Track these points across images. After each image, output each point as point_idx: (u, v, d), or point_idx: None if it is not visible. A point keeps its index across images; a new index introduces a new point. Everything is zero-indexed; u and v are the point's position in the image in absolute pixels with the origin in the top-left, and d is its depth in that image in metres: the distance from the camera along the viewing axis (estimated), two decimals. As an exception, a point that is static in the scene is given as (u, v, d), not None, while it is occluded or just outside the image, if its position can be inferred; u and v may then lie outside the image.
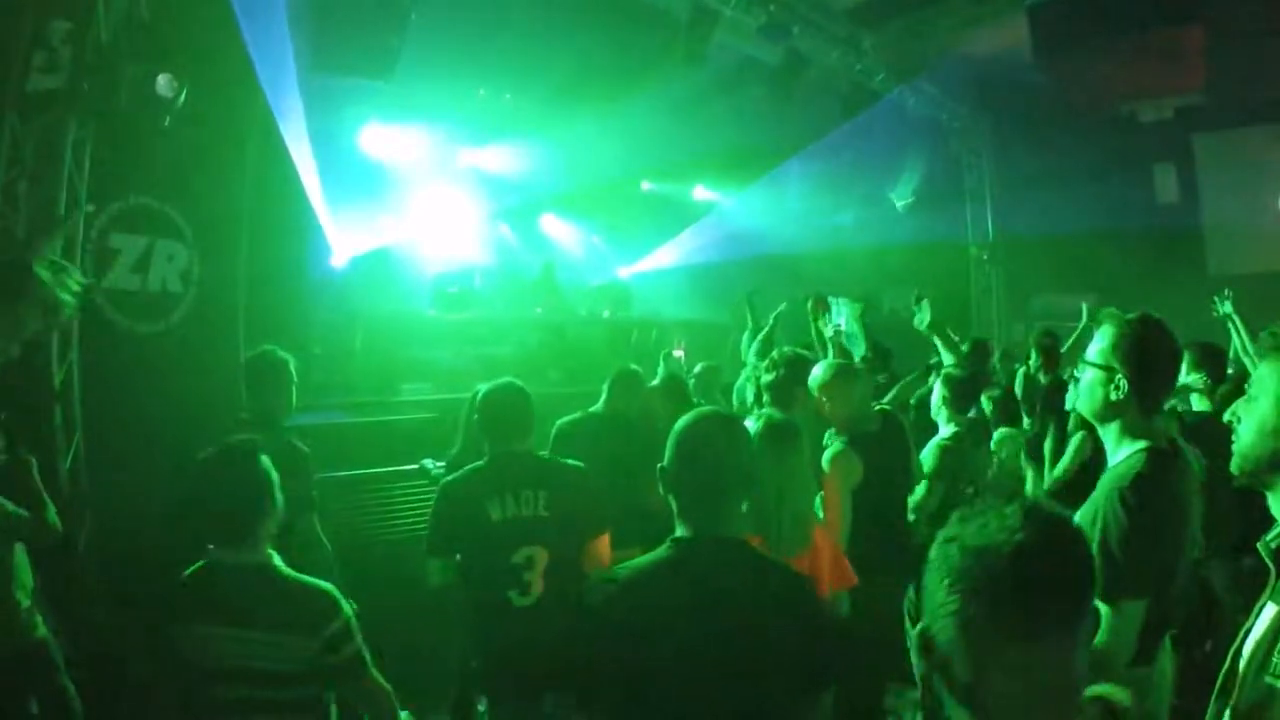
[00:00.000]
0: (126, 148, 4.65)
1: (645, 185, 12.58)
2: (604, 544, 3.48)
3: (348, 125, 8.13)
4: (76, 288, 2.13)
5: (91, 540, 4.33)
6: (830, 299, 7.03)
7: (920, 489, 4.44)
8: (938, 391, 4.79)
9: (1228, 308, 6.25)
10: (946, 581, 1.16)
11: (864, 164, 12.01)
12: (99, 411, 4.59)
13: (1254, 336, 6.40)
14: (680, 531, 2.09)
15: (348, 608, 2.58)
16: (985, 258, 12.66)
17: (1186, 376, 4.96)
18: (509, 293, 10.53)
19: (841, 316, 7.39)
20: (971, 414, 4.99)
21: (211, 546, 2.62)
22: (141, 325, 5.06)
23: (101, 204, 4.55)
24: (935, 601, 1.18)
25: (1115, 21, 8.33)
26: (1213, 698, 1.60)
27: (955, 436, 4.59)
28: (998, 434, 5.49)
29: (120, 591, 4.39)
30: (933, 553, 1.22)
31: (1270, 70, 9.06)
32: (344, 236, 8.00)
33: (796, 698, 2.01)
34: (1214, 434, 4.46)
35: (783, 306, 6.80)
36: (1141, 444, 2.42)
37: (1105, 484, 2.43)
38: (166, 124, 4.70)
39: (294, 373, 4.28)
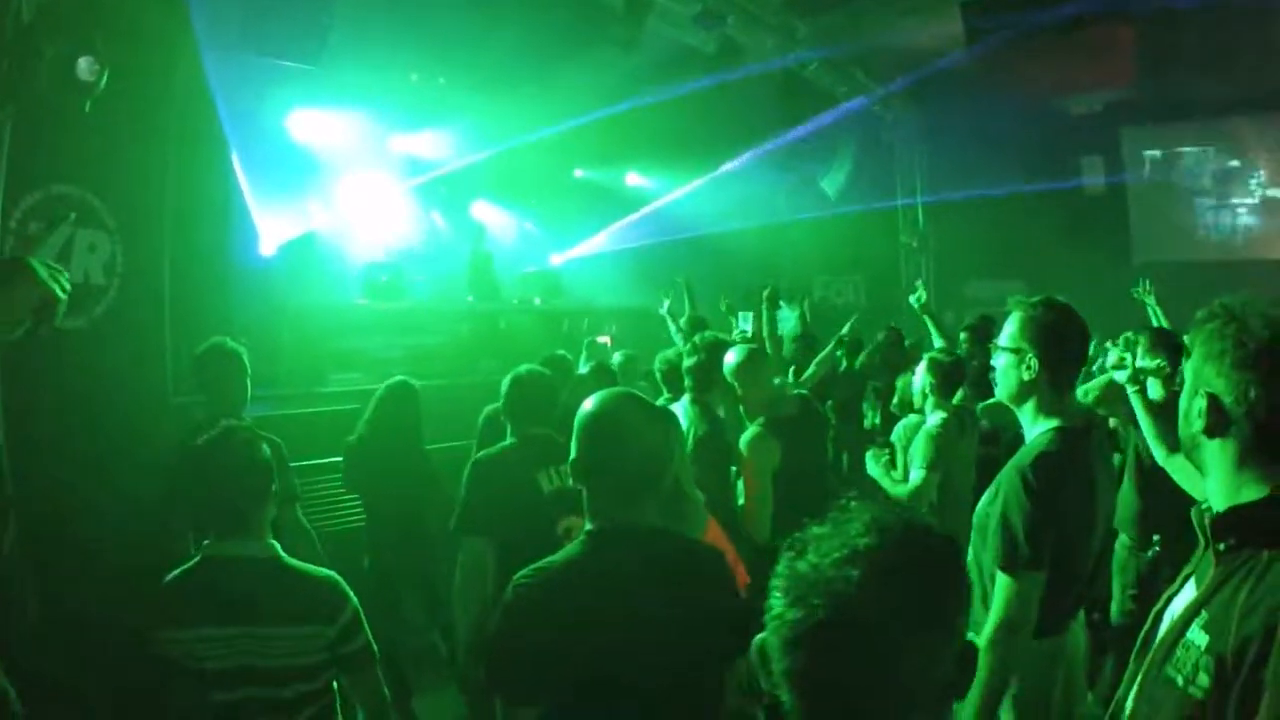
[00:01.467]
0: (46, 133, 4.39)
1: (578, 172, 12.49)
2: None
3: (275, 109, 7.84)
4: (68, 288, 2.02)
5: (17, 543, 4.12)
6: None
7: (916, 479, 4.44)
8: (922, 378, 4.76)
9: (1149, 297, 6.48)
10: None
11: (797, 152, 12.12)
12: (21, 412, 4.36)
13: (1171, 323, 6.67)
14: (592, 522, 2.01)
15: (354, 597, 2.52)
16: (915, 245, 12.90)
17: (1143, 360, 5.09)
18: (441, 281, 10.35)
19: (748, 323, 7.42)
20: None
21: (206, 540, 2.49)
22: (64, 320, 4.79)
23: (19, 192, 4.29)
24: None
25: (1048, 17, 8.54)
26: (1132, 656, 1.62)
27: (944, 423, 4.56)
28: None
29: (54, 593, 4.22)
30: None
31: (1196, 67, 9.41)
32: (271, 223, 7.73)
33: (718, 668, 1.99)
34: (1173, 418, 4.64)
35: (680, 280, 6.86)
36: (1053, 423, 2.56)
37: (1012, 462, 2.58)
38: (88, 108, 4.47)
39: (248, 363, 4.23)
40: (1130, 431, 4.52)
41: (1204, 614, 1.44)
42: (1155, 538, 4.51)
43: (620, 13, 8.81)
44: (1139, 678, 1.56)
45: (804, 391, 4.86)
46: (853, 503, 1.17)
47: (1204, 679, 1.38)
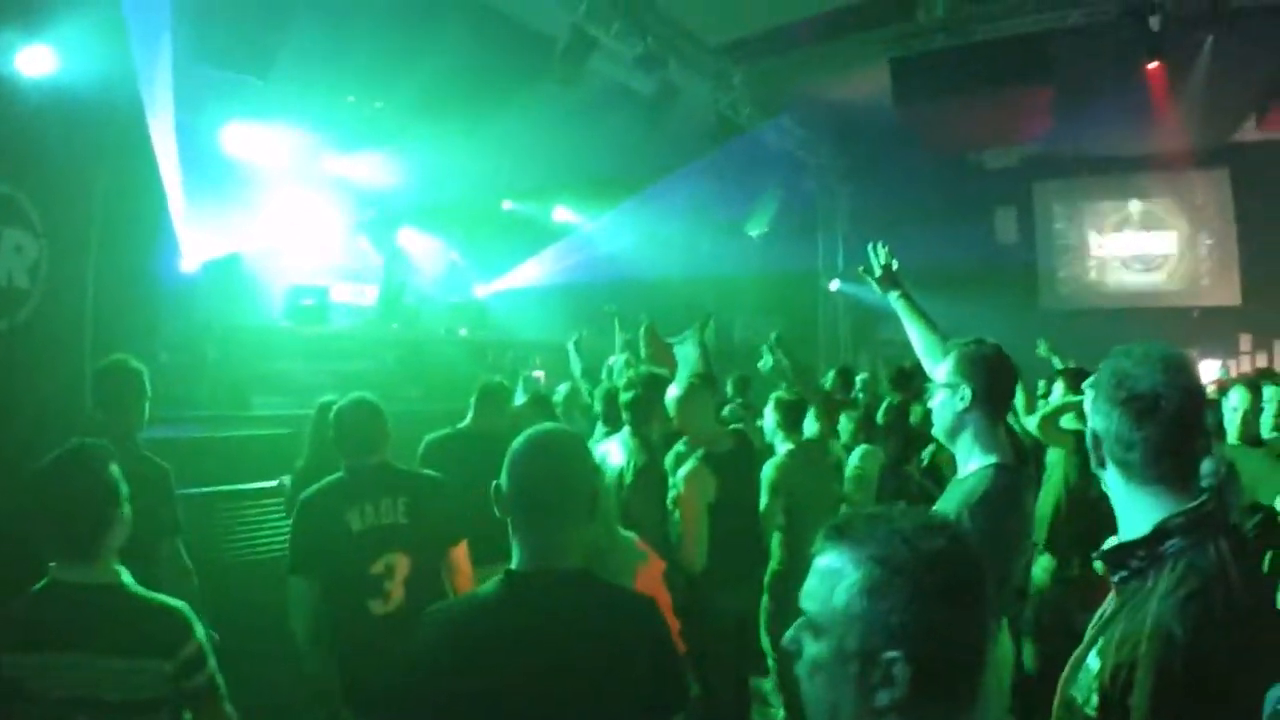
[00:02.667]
0: (-22, 125, 4.17)
1: (507, 204, 12.48)
2: (462, 553, 3.46)
3: (210, 121, 7.63)
4: None
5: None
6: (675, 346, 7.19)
7: (763, 500, 4.65)
8: (771, 416, 5.05)
9: (1052, 355, 6.88)
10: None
11: (724, 195, 12.38)
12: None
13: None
14: (515, 561, 1.93)
15: (201, 629, 2.39)
16: (834, 288, 13.29)
17: (1065, 396, 5.40)
18: (367, 308, 10.16)
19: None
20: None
21: (53, 564, 2.34)
22: (-16, 322, 4.53)
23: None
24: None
25: (971, 77, 9.01)
26: (1060, 685, 1.72)
27: (790, 454, 4.83)
28: (859, 449, 5.77)
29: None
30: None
31: (1107, 127, 10.06)
32: (197, 239, 7.48)
33: None
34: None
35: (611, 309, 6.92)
36: (991, 460, 2.64)
37: (955, 499, 2.63)
38: (22, 104, 4.27)
39: (148, 385, 4.01)
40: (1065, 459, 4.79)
41: (1100, 640, 1.58)
42: (1074, 560, 4.75)
43: (562, 50, 8.91)
44: (1057, 698, 1.69)
45: (739, 427, 5.00)
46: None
47: (1094, 700, 1.52)
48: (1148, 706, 1.42)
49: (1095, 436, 1.64)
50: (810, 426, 5.15)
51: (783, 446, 4.91)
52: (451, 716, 1.81)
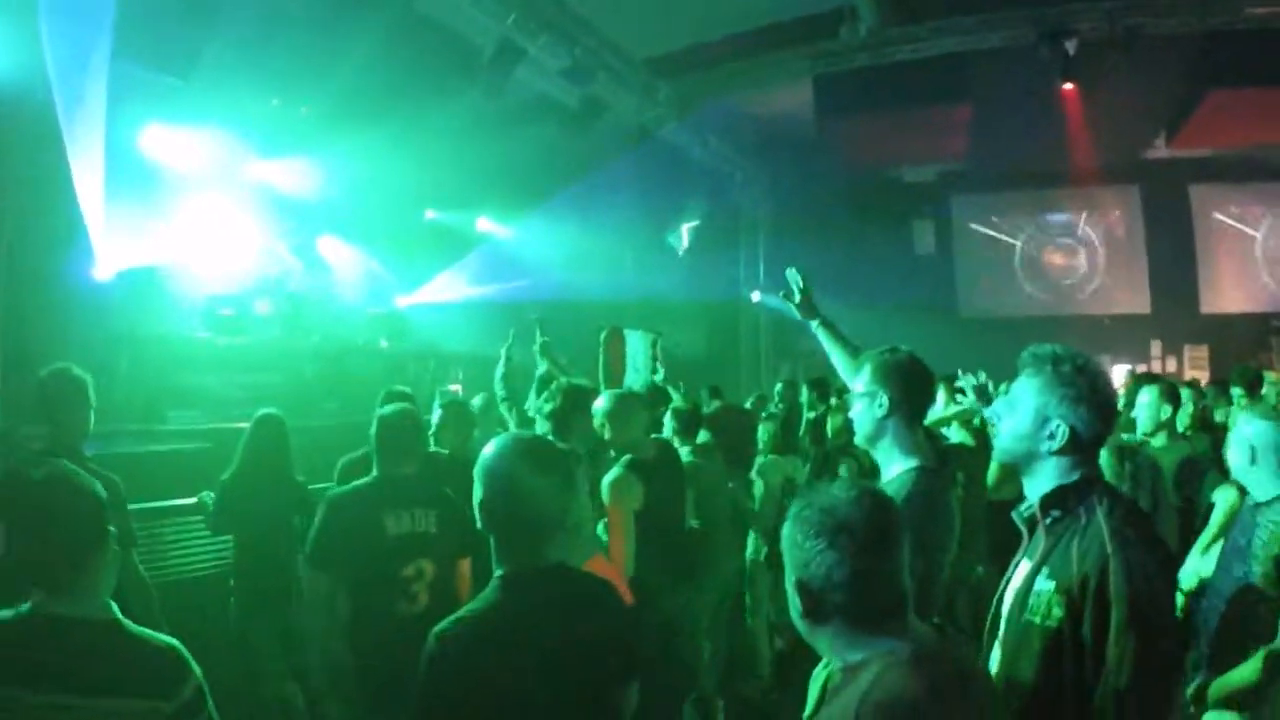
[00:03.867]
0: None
1: (430, 214, 12.29)
2: (467, 564, 3.64)
3: (128, 122, 7.29)
4: None
5: None
6: (626, 330, 7.25)
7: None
8: (669, 423, 5.18)
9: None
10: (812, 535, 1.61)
11: (648, 208, 12.46)
12: None
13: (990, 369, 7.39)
14: (503, 566, 2.05)
15: (197, 668, 2.24)
16: (754, 300, 13.49)
17: (945, 409, 5.64)
18: (286, 319, 9.84)
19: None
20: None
21: (37, 593, 2.12)
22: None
23: None
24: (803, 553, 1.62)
25: (892, 95, 9.31)
26: (983, 637, 2.14)
27: (692, 458, 4.93)
28: (764, 460, 5.87)
29: None
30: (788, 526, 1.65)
31: (1023, 146, 10.51)
32: (111, 245, 7.14)
33: (618, 690, 2.14)
34: (971, 460, 5.16)
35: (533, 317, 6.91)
36: (913, 462, 2.74)
37: None
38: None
39: (92, 395, 3.83)
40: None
41: (1045, 568, 1.97)
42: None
43: (489, 59, 8.85)
44: (1000, 633, 2.08)
45: (663, 437, 5.07)
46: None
47: (1057, 611, 1.90)
48: (1127, 590, 1.82)
49: (1073, 430, 2.00)
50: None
51: (683, 450, 4.99)
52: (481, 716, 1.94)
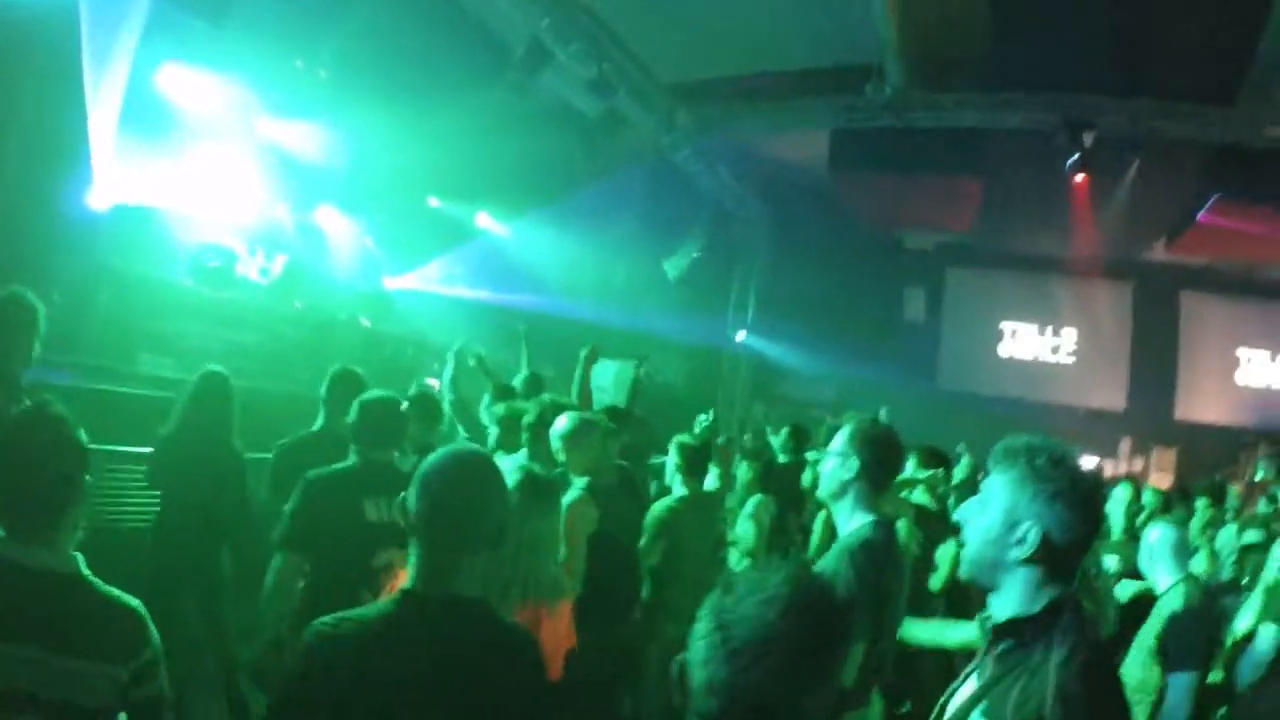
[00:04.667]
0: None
1: (432, 201, 12.25)
2: None
3: (148, 57, 7.21)
4: None
5: None
6: (602, 356, 7.21)
7: (643, 542, 4.71)
8: (672, 458, 5.12)
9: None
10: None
11: (648, 230, 12.49)
12: None
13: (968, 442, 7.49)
14: (413, 582, 1.93)
15: (155, 632, 2.18)
16: (740, 340, 13.54)
17: (915, 471, 5.72)
18: (274, 280, 9.75)
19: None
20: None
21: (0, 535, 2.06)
22: None
23: None
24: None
25: (907, 159, 9.43)
26: None
27: (679, 499, 4.90)
28: (755, 499, 5.89)
29: None
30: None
31: (1026, 228, 10.70)
32: (111, 177, 7.04)
33: None
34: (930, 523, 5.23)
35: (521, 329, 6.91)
36: (870, 517, 2.88)
37: (837, 548, 2.87)
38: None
39: (41, 323, 3.73)
40: None
41: (984, 702, 1.75)
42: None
43: (518, 58, 8.87)
44: None
45: (623, 462, 5.04)
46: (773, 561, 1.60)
47: None
48: None
49: (1046, 534, 1.76)
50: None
51: (679, 490, 4.97)
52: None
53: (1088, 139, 7.95)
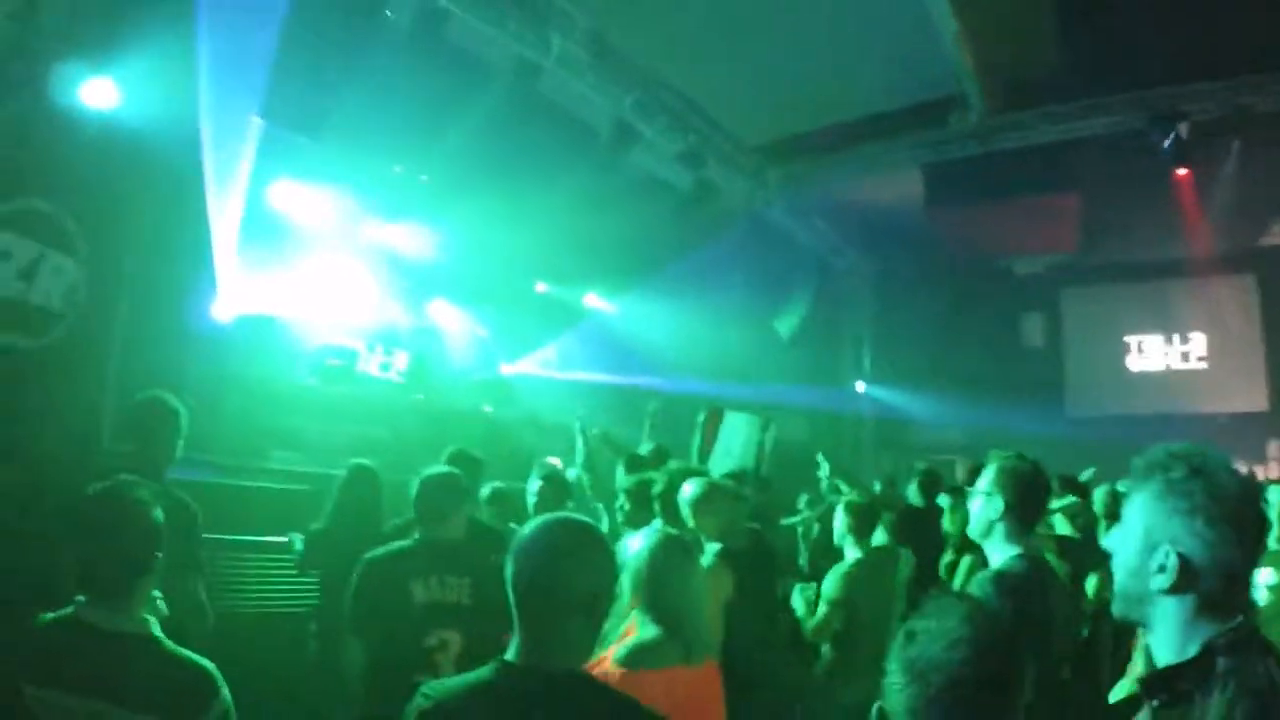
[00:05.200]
0: (35, 145, 4.34)
1: (540, 286, 12.66)
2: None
3: (261, 175, 7.91)
4: None
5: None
6: (728, 412, 7.17)
7: (821, 612, 4.62)
8: (841, 520, 4.98)
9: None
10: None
11: (755, 293, 12.49)
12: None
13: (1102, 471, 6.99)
14: (511, 652, 1.92)
15: (227, 690, 2.30)
16: (860, 391, 13.25)
17: (1055, 502, 5.46)
18: (401, 375, 10.26)
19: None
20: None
21: (80, 599, 2.25)
22: (15, 338, 4.63)
23: (-3, 198, 4.19)
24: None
25: (1002, 184, 9.20)
26: None
27: (857, 563, 4.78)
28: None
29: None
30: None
31: (1135, 236, 10.18)
32: (234, 290, 7.66)
33: None
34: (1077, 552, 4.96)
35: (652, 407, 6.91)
36: (1016, 549, 2.93)
37: (979, 579, 2.95)
38: (80, 134, 4.47)
39: (184, 424, 4.05)
40: None
41: None
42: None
43: (606, 139, 9.21)
44: None
45: (756, 525, 4.97)
46: (944, 598, 1.65)
47: None
48: None
49: (1183, 558, 1.51)
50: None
51: (851, 553, 4.86)
52: None
53: (1182, 130, 7.53)
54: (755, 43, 8.36)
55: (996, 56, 7.38)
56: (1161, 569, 1.50)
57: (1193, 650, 1.49)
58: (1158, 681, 1.54)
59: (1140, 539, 1.55)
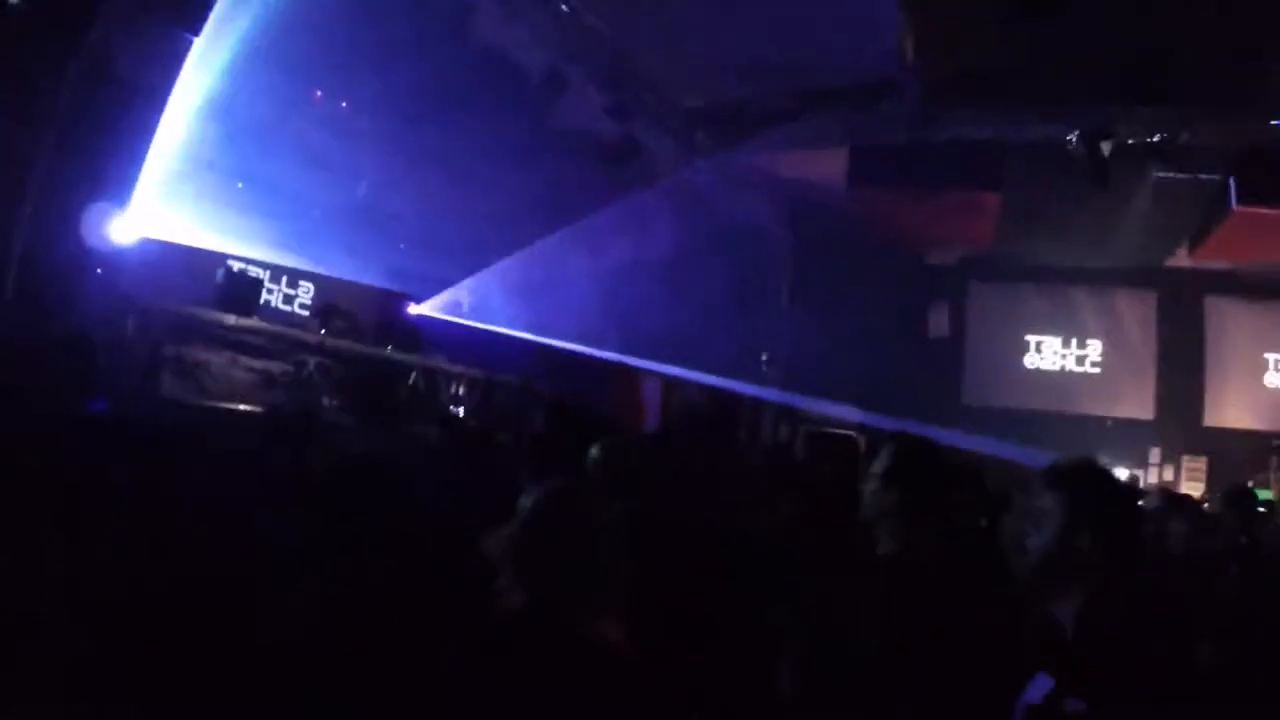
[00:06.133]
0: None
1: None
2: None
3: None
4: None
5: None
6: None
7: None
8: None
9: None
10: None
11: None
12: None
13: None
14: None
15: None
16: (765, 361, 13.37)
17: None
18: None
19: None
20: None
21: None
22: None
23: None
24: None
25: (925, 174, 9.43)
26: None
27: None
28: None
29: None
30: None
31: (1046, 238, 10.62)
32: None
33: None
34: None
35: None
36: None
37: None
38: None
39: None
40: None
41: None
42: None
43: (537, 86, 9.02)
44: None
45: None
46: None
47: None
48: None
49: None
50: None
51: None
52: None
53: (1106, 149, 7.90)
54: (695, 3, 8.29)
55: (938, 47, 7.52)
56: None
57: None
58: None
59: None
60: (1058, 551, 1.91)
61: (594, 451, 3.54)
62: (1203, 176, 8.89)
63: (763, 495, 4.92)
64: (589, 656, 1.94)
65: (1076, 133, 8.10)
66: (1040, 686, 1.81)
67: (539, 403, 10.07)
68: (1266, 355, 12.02)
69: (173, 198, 7.50)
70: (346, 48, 7.99)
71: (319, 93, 8.47)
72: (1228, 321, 12.03)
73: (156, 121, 6.20)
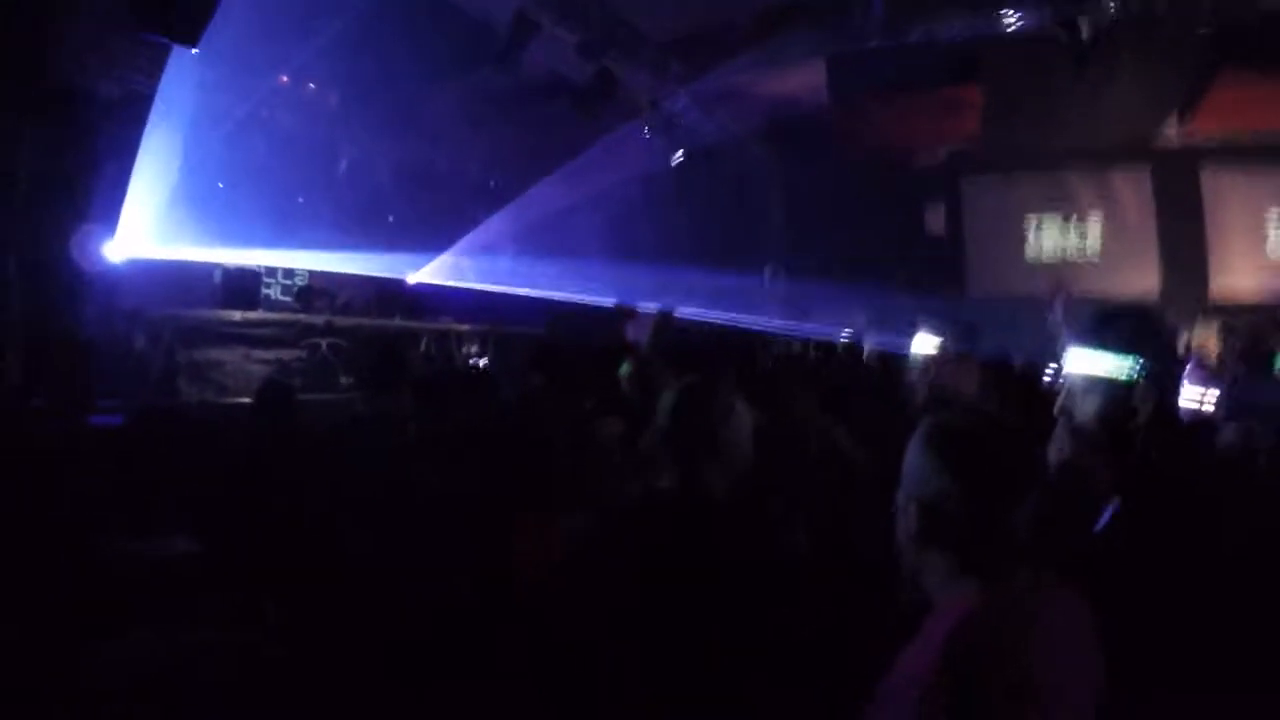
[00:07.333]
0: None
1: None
2: None
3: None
4: None
5: None
6: None
7: None
8: None
9: None
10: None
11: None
12: None
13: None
14: None
15: None
16: (768, 278, 13.40)
17: None
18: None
19: None
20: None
21: None
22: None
23: None
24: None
25: (904, 76, 9.31)
26: None
27: None
28: None
29: None
30: None
31: (1032, 125, 10.47)
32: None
33: None
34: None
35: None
36: None
37: None
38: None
39: None
40: None
41: None
42: None
43: (505, 35, 8.88)
44: None
45: None
46: None
47: None
48: None
49: None
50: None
51: None
52: None
53: (1084, 30, 7.77)
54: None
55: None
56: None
57: None
58: None
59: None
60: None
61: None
62: (1185, 48, 8.76)
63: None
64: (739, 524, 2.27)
65: (1052, 19, 7.95)
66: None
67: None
68: (1266, 220, 11.89)
69: (161, 211, 7.52)
70: (306, 25, 7.89)
71: (284, 78, 8.34)
72: (1225, 191, 11.87)
73: (139, 138, 6.18)
